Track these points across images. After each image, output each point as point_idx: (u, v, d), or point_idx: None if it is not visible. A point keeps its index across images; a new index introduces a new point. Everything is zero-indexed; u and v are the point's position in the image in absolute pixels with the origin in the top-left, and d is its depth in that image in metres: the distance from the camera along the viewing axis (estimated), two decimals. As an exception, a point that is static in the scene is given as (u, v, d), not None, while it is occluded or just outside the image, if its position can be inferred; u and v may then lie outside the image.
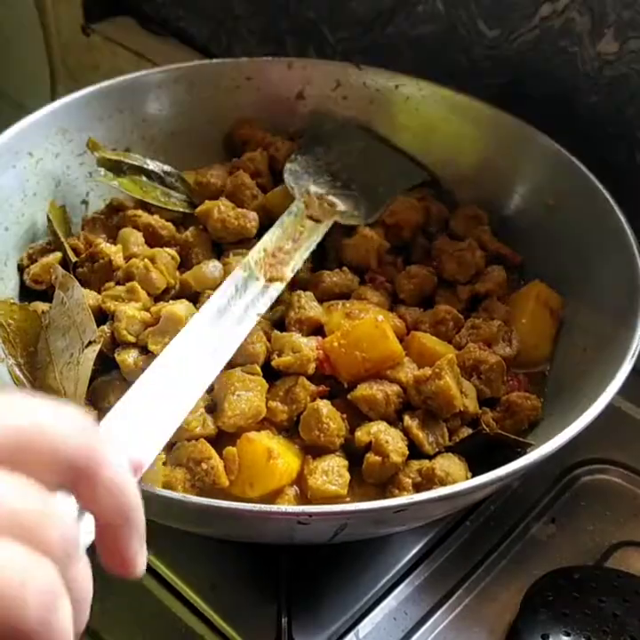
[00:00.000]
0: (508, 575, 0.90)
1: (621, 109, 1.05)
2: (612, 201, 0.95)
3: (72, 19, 1.56)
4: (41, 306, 0.91)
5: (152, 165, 1.05)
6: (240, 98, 1.14)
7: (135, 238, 0.97)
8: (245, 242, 0.99)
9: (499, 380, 0.90)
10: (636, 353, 0.81)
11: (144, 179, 1.04)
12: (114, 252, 0.94)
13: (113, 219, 1.02)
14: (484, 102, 1.08)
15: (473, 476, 0.79)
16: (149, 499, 0.66)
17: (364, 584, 0.87)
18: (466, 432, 0.86)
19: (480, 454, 0.81)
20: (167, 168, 1.06)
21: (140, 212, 1.00)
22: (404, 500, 0.65)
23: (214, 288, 0.92)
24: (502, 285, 1.00)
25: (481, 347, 0.91)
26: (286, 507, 0.68)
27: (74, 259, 0.95)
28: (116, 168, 1.03)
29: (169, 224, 1.00)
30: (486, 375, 0.89)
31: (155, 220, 0.99)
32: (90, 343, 0.82)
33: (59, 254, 0.96)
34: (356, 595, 0.86)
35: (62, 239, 0.96)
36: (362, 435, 0.82)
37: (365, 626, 0.85)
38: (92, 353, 0.82)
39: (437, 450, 0.83)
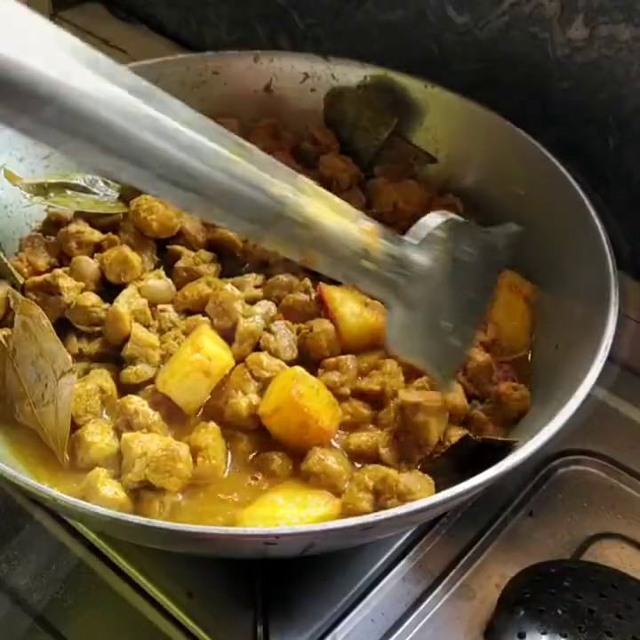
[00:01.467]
0: (486, 571, 0.90)
1: (593, 95, 1.05)
2: (581, 192, 0.94)
3: (40, 6, 1.53)
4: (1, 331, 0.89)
5: (75, 180, 1.03)
6: (207, 92, 1.13)
7: (92, 272, 0.95)
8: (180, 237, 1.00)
9: (485, 379, 0.91)
10: (609, 345, 0.81)
11: (69, 192, 1.02)
12: (72, 288, 0.93)
13: (53, 234, 1.01)
14: (454, 93, 1.06)
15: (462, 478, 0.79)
16: (119, 524, 0.67)
17: (341, 586, 0.87)
18: (456, 432, 0.86)
19: (470, 458, 0.81)
20: (89, 176, 1.04)
21: (82, 227, 0.99)
22: (370, 519, 0.65)
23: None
24: None
25: None
26: (252, 529, 0.67)
27: (21, 281, 0.94)
28: (41, 190, 1.01)
29: (115, 237, 0.99)
30: (473, 373, 0.90)
31: (97, 236, 0.99)
32: (63, 374, 0.81)
33: (7, 286, 0.94)
34: (332, 597, 0.86)
35: (7, 262, 0.95)
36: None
37: (343, 629, 0.85)
38: (68, 385, 0.81)
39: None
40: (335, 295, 0.94)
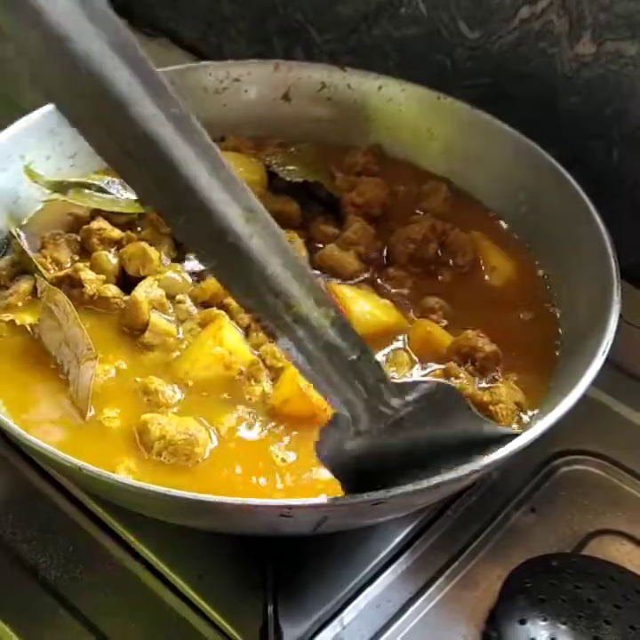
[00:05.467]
0: (489, 563, 0.92)
1: (599, 109, 1.08)
2: (587, 199, 0.97)
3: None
4: (27, 318, 0.92)
5: (93, 180, 1.06)
6: (228, 98, 1.17)
7: (112, 266, 0.99)
8: None
9: (492, 370, 0.93)
10: (608, 347, 0.84)
11: (86, 191, 1.05)
12: (94, 280, 0.96)
13: (74, 232, 1.03)
14: (465, 103, 1.10)
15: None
16: (132, 492, 0.70)
17: (349, 572, 0.89)
18: None
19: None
20: (107, 179, 1.06)
21: (103, 224, 1.02)
22: (380, 494, 0.68)
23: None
24: None
25: (479, 334, 0.94)
26: (268, 500, 0.70)
27: (46, 276, 0.96)
28: (60, 188, 1.04)
29: (133, 235, 1.02)
30: (481, 363, 0.92)
31: (117, 233, 1.01)
32: (85, 359, 0.84)
33: (31, 281, 0.97)
34: (340, 582, 0.88)
35: (33, 259, 0.97)
36: None
37: (350, 613, 0.87)
38: (89, 370, 0.84)
39: None
40: (346, 294, 0.98)
